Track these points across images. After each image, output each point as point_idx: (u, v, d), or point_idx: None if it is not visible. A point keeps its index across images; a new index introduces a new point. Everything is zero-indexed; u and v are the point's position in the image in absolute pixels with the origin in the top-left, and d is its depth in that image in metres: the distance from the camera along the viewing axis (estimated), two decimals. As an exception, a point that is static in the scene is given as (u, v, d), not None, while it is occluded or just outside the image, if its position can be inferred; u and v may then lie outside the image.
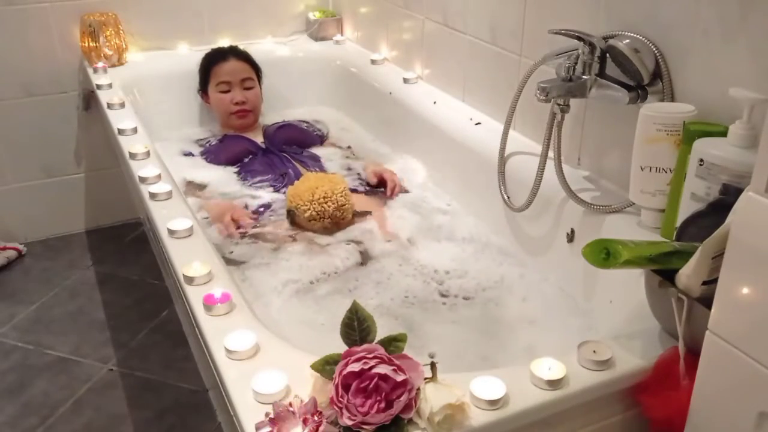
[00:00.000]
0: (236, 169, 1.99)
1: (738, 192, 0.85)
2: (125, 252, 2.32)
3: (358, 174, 1.96)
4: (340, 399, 0.78)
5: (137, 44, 2.32)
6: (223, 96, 2.14)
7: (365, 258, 1.59)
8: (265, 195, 1.85)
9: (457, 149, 1.78)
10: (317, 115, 2.38)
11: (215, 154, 2.04)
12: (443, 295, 1.47)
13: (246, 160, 2.01)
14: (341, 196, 1.67)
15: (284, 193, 1.80)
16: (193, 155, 2.09)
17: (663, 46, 1.24)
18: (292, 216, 1.68)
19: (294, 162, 1.98)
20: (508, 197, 1.57)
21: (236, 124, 2.14)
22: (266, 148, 2.06)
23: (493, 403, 0.84)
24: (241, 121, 2.14)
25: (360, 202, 1.77)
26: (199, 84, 2.23)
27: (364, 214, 1.74)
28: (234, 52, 2.18)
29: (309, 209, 1.64)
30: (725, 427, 0.79)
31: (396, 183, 1.87)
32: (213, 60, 2.17)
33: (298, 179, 1.76)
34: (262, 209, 1.77)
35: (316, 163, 2.01)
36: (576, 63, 1.33)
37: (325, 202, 1.64)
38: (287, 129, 2.17)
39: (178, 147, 2.13)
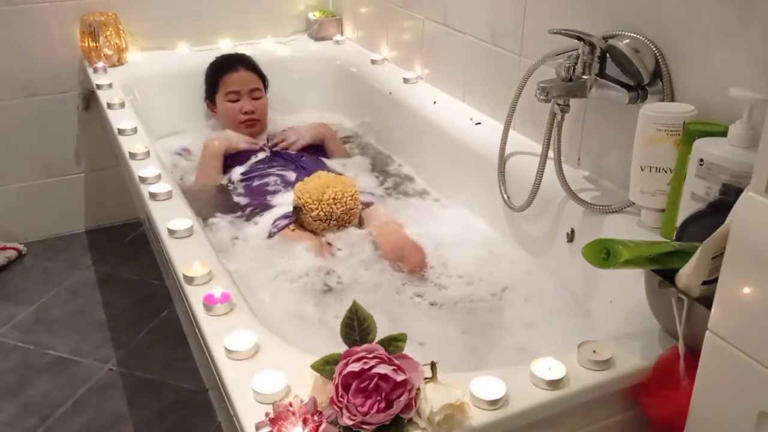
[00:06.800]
0: (243, 170, 1.98)
1: (738, 192, 0.85)
2: (125, 252, 2.32)
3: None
4: (340, 399, 0.78)
5: (137, 44, 2.32)
6: (232, 105, 2.13)
7: (368, 257, 1.59)
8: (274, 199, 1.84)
9: (457, 149, 1.78)
10: (317, 115, 2.38)
11: None
12: (435, 303, 1.47)
13: (253, 161, 2.01)
14: (351, 199, 1.64)
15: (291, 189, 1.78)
16: (190, 152, 2.09)
17: (663, 46, 1.24)
18: (297, 213, 1.66)
19: (301, 165, 1.97)
20: (508, 197, 1.57)
21: (244, 133, 2.14)
22: (273, 150, 2.06)
23: (493, 403, 0.84)
24: (249, 130, 2.14)
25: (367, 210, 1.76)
26: (205, 93, 2.21)
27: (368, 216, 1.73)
28: (242, 62, 2.17)
29: (317, 209, 1.61)
30: (725, 427, 0.79)
31: (284, 137, 2.05)
32: (222, 70, 2.16)
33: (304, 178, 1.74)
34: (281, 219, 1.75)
35: (323, 167, 1.99)
36: (576, 63, 1.33)
37: (334, 204, 1.62)
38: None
39: (176, 147, 2.12)
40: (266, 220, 1.72)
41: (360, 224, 1.70)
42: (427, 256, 1.60)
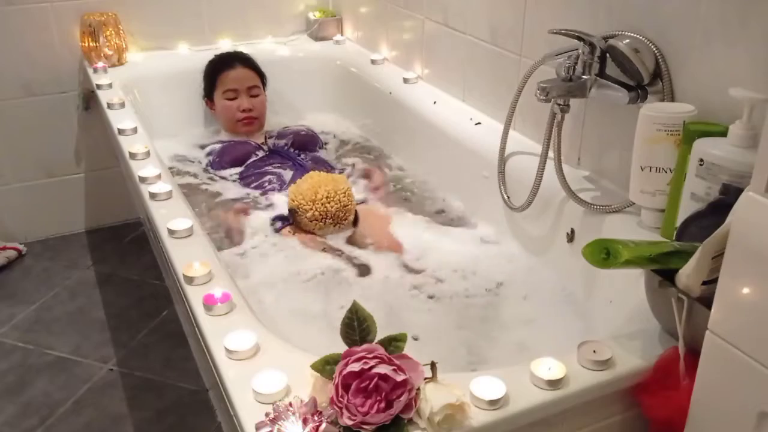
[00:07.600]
0: (241, 169, 1.98)
1: (738, 192, 0.85)
2: (125, 252, 2.32)
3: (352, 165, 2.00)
4: (340, 399, 0.78)
5: (137, 44, 2.32)
6: (230, 103, 2.13)
7: (367, 257, 1.59)
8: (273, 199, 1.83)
9: (457, 149, 1.78)
10: (317, 115, 2.38)
11: (220, 157, 2.03)
12: (433, 296, 1.47)
13: (251, 160, 2.01)
14: (344, 196, 1.65)
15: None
16: (186, 158, 2.08)
17: (663, 46, 1.24)
18: (293, 215, 1.67)
19: (299, 163, 1.98)
20: (508, 197, 1.57)
21: (242, 131, 2.14)
22: (272, 149, 2.05)
23: (493, 403, 0.84)
24: (246, 128, 2.14)
25: (363, 208, 1.76)
26: (204, 91, 2.22)
27: (366, 216, 1.73)
28: (240, 59, 2.18)
29: (311, 209, 1.62)
30: (725, 427, 0.79)
31: (381, 182, 1.89)
32: (219, 67, 2.16)
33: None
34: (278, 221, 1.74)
35: (321, 165, 2.00)
36: (576, 63, 1.33)
37: (328, 203, 1.63)
38: (290, 132, 2.17)
39: (177, 148, 2.12)
40: (265, 219, 1.73)
41: (355, 222, 1.70)
42: (404, 252, 1.60)
